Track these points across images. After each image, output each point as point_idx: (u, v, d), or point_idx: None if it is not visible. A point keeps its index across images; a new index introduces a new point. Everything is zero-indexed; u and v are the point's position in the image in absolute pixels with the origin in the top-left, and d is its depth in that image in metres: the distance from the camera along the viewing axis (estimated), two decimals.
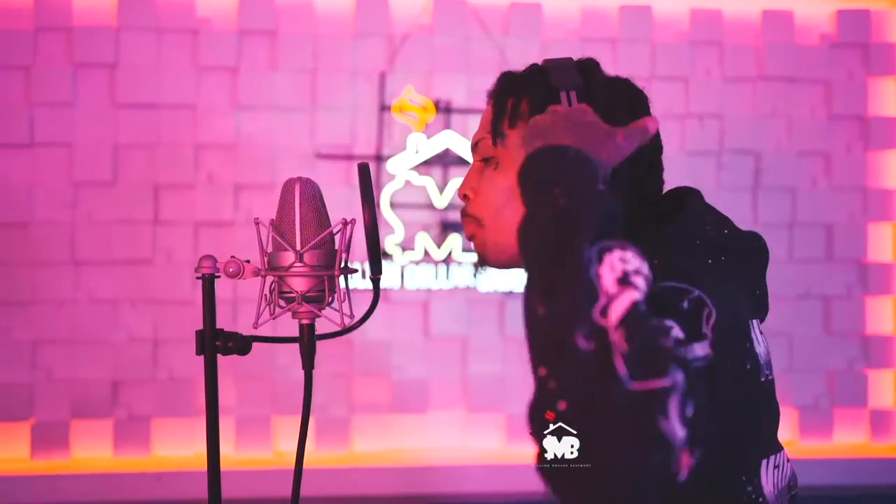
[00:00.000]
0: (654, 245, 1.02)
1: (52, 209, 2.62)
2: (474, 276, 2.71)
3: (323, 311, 1.11)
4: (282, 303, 1.10)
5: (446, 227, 2.71)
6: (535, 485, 2.48)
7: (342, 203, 2.71)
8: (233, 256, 1.15)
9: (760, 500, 0.93)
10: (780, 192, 2.89)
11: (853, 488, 2.83)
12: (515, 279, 2.67)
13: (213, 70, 2.69)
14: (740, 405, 0.92)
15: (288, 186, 1.14)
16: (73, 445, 2.63)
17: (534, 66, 1.14)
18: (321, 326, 1.10)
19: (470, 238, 1.12)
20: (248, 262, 1.15)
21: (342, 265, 1.12)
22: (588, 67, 1.12)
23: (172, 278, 2.67)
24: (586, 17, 2.81)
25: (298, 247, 1.10)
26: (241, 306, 2.67)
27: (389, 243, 2.68)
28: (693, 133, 2.85)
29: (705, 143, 2.86)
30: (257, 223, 1.12)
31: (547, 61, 1.13)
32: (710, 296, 0.88)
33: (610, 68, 2.88)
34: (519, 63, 2.88)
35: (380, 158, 2.70)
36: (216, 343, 1.15)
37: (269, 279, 1.11)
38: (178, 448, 2.67)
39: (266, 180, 2.70)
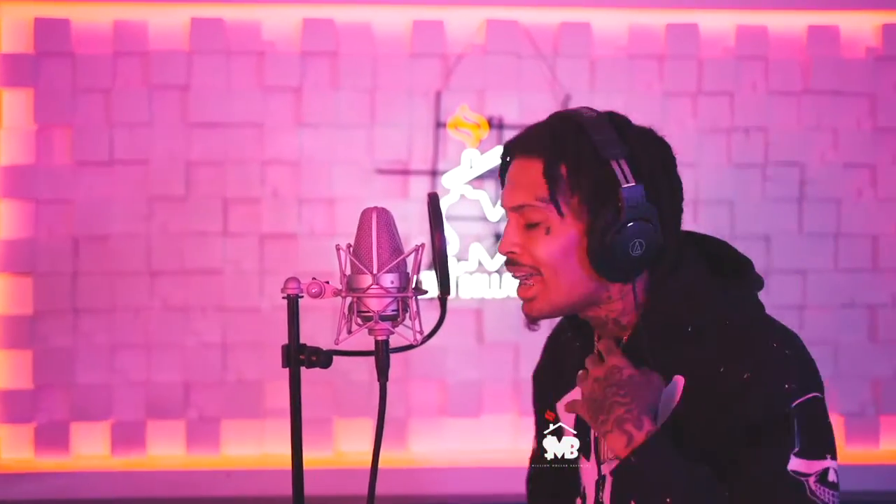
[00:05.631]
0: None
1: (130, 222, 2.77)
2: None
3: (396, 329, 1.23)
4: (359, 321, 1.20)
5: (499, 239, 2.82)
6: None
7: (399, 216, 2.82)
8: (314, 278, 1.26)
9: None
10: (825, 203, 2.93)
11: None
12: None
13: (278, 90, 2.81)
14: None
15: (366, 215, 1.23)
16: (148, 444, 2.79)
17: (568, 124, 1.15)
18: (393, 340, 1.16)
19: (524, 277, 1.18)
20: (327, 283, 1.25)
21: (414, 286, 1.23)
22: (620, 126, 1.15)
23: (240, 287, 2.81)
24: (633, 34, 2.87)
25: (375, 270, 1.18)
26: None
27: None
28: (739, 146, 2.90)
29: (751, 156, 2.90)
30: (338, 249, 1.22)
31: (578, 118, 1.14)
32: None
33: (657, 84, 2.98)
34: (570, 80, 2.98)
35: (435, 173, 2.81)
36: (300, 357, 1.27)
37: (349, 299, 1.23)
38: (245, 447, 2.81)
39: (327, 195, 2.81)
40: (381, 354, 1.20)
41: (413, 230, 2.80)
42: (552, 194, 1.13)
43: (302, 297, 1.24)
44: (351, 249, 1.23)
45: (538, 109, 2.81)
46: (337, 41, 2.82)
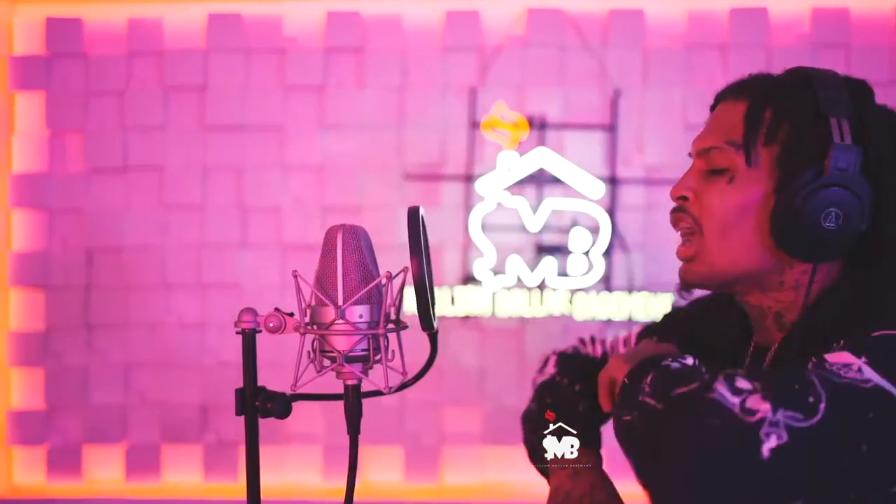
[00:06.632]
0: None
1: (144, 232, 2.60)
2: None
3: (371, 371, 1.01)
4: (326, 361, 1.01)
5: (540, 251, 2.55)
6: None
7: (429, 225, 2.59)
8: (276, 309, 1.06)
9: None
10: None
11: None
12: (614, 308, 2.49)
13: (300, 89, 2.60)
14: None
15: (330, 235, 1.04)
16: (164, 469, 2.62)
17: (796, 75, 1.01)
18: (373, 381, 0.99)
19: (685, 233, 1.02)
20: (291, 315, 1.05)
21: (389, 321, 1.01)
22: (861, 91, 1.00)
23: (259, 302, 2.61)
24: (693, 21, 2.56)
25: (340, 302, 0.99)
26: None
27: (480, 268, 2.54)
28: None
29: None
30: (296, 276, 1.02)
31: (812, 72, 1.00)
32: None
33: (720, 76, 2.64)
34: (620, 73, 2.67)
35: (469, 178, 2.55)
36: (255, 404, 1.08)
37: (312, 336, 1.02)
38: (264, 475, 2.61)
39: (353, 202, 2.59)
40: (351, 401, 1.03)
41: (447, 241, 2.56)
42: (746, 137, 0.98)
43: (260, 331, 1.07)
44: (315, 277, 1.05)
45: (584, 107, 2.55)
46: (363, 35, 2.60)
